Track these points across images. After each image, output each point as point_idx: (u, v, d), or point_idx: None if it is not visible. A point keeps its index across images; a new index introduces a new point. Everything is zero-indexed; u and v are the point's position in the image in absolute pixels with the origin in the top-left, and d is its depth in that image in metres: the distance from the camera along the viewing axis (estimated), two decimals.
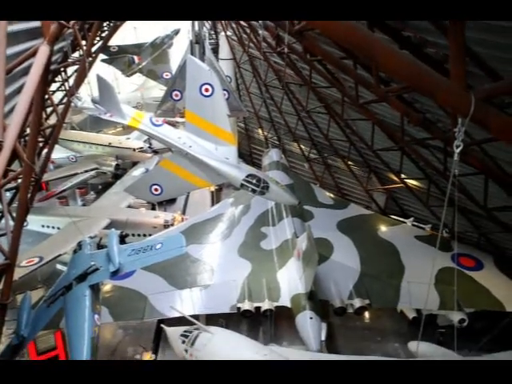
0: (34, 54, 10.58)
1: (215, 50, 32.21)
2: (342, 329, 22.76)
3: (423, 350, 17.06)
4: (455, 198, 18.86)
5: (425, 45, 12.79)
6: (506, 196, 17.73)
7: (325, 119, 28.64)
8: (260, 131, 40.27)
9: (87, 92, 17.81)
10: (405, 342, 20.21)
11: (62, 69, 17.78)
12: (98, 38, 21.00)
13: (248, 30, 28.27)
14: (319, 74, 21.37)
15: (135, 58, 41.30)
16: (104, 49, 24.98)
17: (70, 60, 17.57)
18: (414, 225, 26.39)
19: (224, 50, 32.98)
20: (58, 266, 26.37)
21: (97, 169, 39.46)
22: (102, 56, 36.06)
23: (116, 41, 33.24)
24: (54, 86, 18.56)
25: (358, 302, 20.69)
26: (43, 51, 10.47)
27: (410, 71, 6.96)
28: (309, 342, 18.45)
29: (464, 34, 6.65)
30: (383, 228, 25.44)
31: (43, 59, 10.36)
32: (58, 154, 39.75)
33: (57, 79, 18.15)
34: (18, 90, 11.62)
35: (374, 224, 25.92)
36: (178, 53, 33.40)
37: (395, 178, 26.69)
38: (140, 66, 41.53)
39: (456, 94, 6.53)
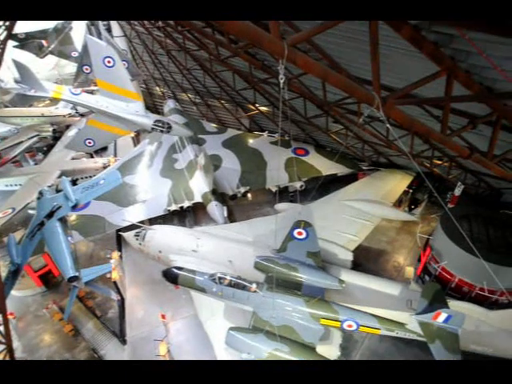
0: None
1: (109, 30, 27.19)
2: (236, 207, 23.59)
3: (282, 207, 18.72)
4: (288, 114, 19.66)
5: None
6: (316, 108, 18.92)
7: (200, 73, 26.83)
8: (158, 88, 36.80)
9: (10, 75, 14.43)
10: (272, 205, 21.50)
11: None
12: (3, 28, 16.28)
13: None
14: (190, 40, 19.50)
15: (43, 42, 33.62)
16: (11, 36, 19.53)
17: None
18: (268, 135, 27.15)
19: (116, 29, 28.04)
20: (30, 211, 23.14)
21: (38, 135, 33.37)
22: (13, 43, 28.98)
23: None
24: None
25: (242, 189, 21.66)
26: None
27: (247, 32, 6.53)
28: (217, 220, 19.25)
29: None
30: (251, 140, 25.78)
31: None
32: (1, 128, 33.35)
33: None
34: None
35: (245, 139, 26.08)
36: (79, 34, 27.91)
37: (252, 107, 26.73)
38: (50, 49, 34.04)
39: (275, 43, 6.38)
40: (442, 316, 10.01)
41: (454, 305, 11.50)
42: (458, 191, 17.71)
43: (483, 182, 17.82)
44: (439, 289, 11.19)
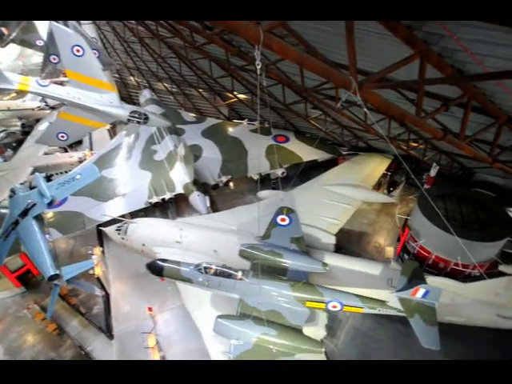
0: None
1: None
2: (218, 197, 23.49)
3: (264, 194, 18.76)
4: (267, 101, 19.54)
5: None
6: (294, 95, 18.89)
7: (176, 61, 26.09)
8: (132, 78, 35.51)
9: None
10: (254, 193, 21.46)
11: None
12: None
13: None
14: (163, 27, 18.83)
15: (3, 29, 31.35)
16: None
17: None
18: (248, 123, 26.95)
19: None
20: (2, 211, 22.11)
21: (5, 130, 31.63)
22: None
23: None
24: None
25: (224, 178, 21.54)
26: None
27: None
28: (200, 210, 19.10)
29: None
30: (230, 129, 25.55)
31: None
32: None
33: None
34: None
35: (224, 128, 25.81)
36: (43, 21, 26.23)
37: (231, 95, 26.39)
38: (11, 37, 31.80)
39: (251, 29, 6.29)
40: (421, 291, 10.54)
41: (432, 280, 12.08)
42: (433, 172, 18.38)
43: (456, 162, 18.55)
44: (417, 266, 11.71)
